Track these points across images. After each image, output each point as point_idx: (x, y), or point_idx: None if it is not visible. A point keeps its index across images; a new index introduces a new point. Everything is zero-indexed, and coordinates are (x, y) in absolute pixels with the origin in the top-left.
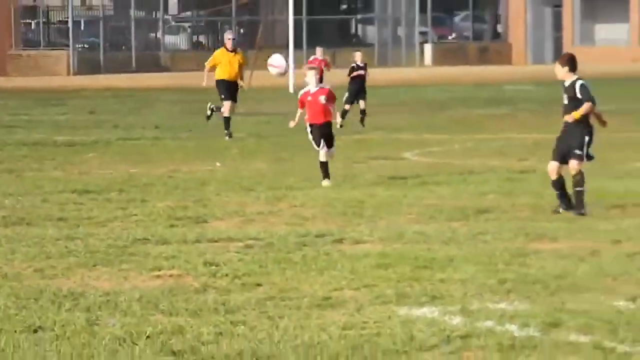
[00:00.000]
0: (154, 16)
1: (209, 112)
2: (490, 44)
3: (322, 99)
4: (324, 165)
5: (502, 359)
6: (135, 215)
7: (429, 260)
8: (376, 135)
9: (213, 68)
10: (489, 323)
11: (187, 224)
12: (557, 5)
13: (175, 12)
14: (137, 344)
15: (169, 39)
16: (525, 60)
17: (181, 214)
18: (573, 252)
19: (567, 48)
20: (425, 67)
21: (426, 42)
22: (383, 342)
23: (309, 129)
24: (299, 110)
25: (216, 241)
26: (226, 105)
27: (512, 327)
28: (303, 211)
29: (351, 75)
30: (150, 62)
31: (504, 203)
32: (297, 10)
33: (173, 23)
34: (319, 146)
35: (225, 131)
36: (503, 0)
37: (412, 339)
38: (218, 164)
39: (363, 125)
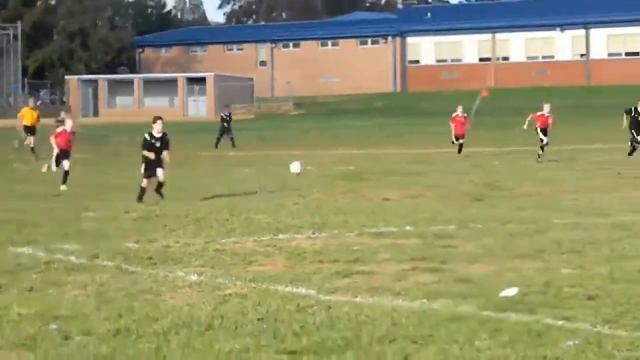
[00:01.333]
0: None
1: (16, 145)
2: (63, 106)
3: (71, 137)
4: (67, 174)
5: (66, 276)
6: None
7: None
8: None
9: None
10: (60, 256)
11: None
12: (96, 88)
13: None
14: None
15: None
16: (79, 117)
17: None
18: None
19: (101, 109)
20: None
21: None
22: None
23: (57, 151)
24: (52, 139)
25: None
26: (29, 139)
27: (71, 258)
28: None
29: None
30: None
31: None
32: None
33: None
34: (63, 160)
35: (33, 156)
36: (66, 83)
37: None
38: None
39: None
